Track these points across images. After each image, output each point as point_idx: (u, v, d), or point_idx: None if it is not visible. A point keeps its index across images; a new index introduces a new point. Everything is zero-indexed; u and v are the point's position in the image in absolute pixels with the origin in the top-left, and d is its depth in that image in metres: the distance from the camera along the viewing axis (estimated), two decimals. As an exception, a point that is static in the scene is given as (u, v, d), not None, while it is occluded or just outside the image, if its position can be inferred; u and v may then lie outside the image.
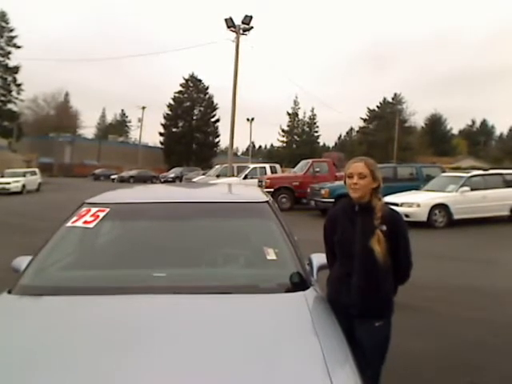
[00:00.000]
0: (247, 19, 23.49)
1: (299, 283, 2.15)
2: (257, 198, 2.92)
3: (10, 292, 2.11)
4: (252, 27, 23.81)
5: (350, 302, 2.24)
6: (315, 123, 71.90)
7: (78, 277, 2.35)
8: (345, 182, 2.34)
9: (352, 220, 2.29)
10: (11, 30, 46.79)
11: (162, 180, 37.67)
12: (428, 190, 13.12)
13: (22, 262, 2.50)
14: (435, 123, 73.49)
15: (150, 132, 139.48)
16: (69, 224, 2.50)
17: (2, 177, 25.15)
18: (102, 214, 2.49)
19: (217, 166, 27.23)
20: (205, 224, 2.71)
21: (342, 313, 2.15)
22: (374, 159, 2.40)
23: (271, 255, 2.34)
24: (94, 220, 2.46)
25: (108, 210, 2.53)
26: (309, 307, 1.93)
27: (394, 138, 52.58)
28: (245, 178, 20.01)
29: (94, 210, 2.53)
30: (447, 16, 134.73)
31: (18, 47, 47.19)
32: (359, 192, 2.25)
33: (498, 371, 3.54)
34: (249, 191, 3.60)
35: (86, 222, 2.45)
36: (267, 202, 2.79)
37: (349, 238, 2.27)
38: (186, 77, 60.39)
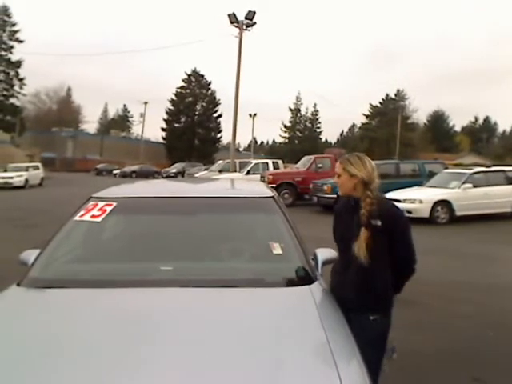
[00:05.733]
0: (250, 15, 23.41)
1: (305, 277, 2.17)
2: (262, 193, 2.95)
3: (18, 284, 2.14)
4: (255, 23, 23.77)
5: (346, 295, 2.26)
6: (317, 119, 71.77)
7: (85, 270, 2.38)
8: None
9: (352, 215, 2.32)
10: (13, 25, 46.77)
11: (165, 175, 37.69)
12: (430, 187, 13.10)
13: (30, 255, 2.52)
14: (438, 120, 73.22)
15: (152, 127, 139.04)
16: (76, 218, 2.52)
17: (5, 171, 25.11)
18: (109, 208, 2.51)
19: (219, 162, 27.18)
20: (211, 218, 2.72)
21: (342, 305, 2.17)
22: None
23: (277, 249, 2.35)
24: (101, 214, 2.48)
25: (115, 204, 2.55)
26: (315, 301, 1.95)
27: (396, 135, 52.34)
28: (247, 173, 20.08)
29: (101, 204, 2.56)
30: (452, 14, 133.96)
31: (21, 41, 47.19)
32: (341, 189, 2.40)
33: (498, 366, 3.57)
34: (254, 186, 3.61)
35: (93, 216, 2.48)
36: (272, 197, 2.82)
37: (348, 232, 2.30)
38: (189, 72, 60.33)
